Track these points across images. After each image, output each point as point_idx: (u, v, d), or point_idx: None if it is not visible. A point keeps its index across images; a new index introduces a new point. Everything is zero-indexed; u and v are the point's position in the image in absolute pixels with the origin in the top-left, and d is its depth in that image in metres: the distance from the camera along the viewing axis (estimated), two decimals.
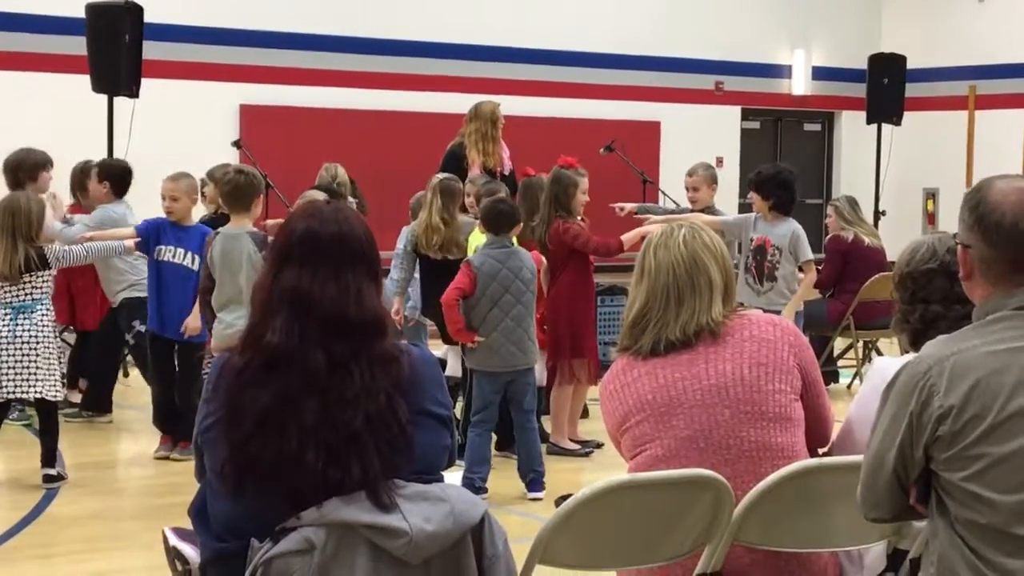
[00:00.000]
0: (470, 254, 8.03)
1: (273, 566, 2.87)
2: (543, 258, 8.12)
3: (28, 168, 9.12)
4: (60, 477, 7.57)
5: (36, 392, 7.44)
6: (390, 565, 2.89)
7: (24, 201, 7.60)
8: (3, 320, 7.44)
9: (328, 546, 2.87)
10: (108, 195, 9.19)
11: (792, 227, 8.61)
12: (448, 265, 8.72)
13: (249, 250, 7.35)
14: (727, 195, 17.73)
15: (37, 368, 7.42)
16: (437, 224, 8.63)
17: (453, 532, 2.92)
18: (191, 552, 3.27)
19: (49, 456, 7.58)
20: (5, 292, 7.47)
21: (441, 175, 9.07)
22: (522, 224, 7.82)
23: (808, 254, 8.63)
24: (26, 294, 7.48)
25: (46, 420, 7.59)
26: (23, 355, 7.41)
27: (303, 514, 2.90)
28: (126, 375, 10.91)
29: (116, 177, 9.29)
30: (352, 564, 2.88)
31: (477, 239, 8.15)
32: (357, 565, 2.88)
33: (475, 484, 7.22)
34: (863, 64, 17.50)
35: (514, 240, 7.66)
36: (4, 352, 7.41)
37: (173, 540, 3.34)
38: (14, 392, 7.45)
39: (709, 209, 9.44)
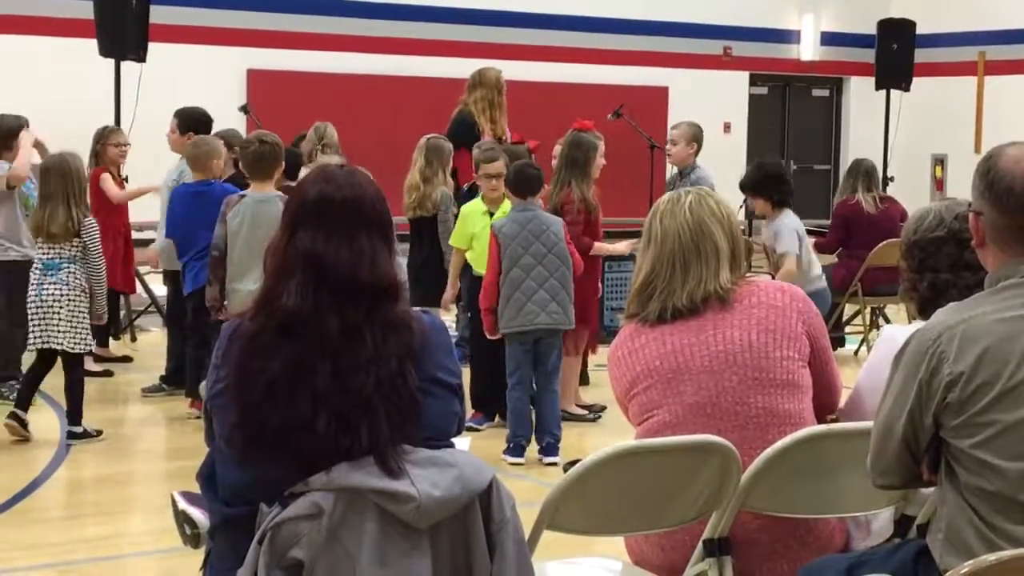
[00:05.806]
0: (463, 224, 8.20)
1: (282, 530, 2.88)
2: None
3: (3, 135, 8.76)
4: (87, 434, 7.66)
5: (57, 344, 7.54)
6: (398, 530, 2.90)
7: (72, 161, 7.65)
8: (33, 275, 7.60)
9: (337, 511, 2.88)
10: None
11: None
12: (420, 223, 8.78)
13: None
14: (735, 161, 17.71)
15: (59, 321, 7.52)
16: (416, 183, 8.70)
17: (461, 497, 2.92)
18: (200, 516, 3.28)
19: (74, 413, 7.68)
20: (42, 252, 7.59)
21: (430, 135, 9.05)
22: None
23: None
24: (55, 253, 7.59)
25: (69, 375, 7.68)
26: (47, 308, 7.52)
27: (311, 479, 2.90)
28: (133, 339, 10.93)
29: (201, 125, 9.23)
30: (360, 529, 2.88)
31: (471, 209, 8.28)
32: (365, 530, 2.88)
33: (521, 445, 7.40)
34: (872, 29, 17.42)
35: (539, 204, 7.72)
36: (31, 306, 7.57)
37: (182, 504, 3.36)
38: (34, 344, 7.60)
39: (692, 170, 9.59)
